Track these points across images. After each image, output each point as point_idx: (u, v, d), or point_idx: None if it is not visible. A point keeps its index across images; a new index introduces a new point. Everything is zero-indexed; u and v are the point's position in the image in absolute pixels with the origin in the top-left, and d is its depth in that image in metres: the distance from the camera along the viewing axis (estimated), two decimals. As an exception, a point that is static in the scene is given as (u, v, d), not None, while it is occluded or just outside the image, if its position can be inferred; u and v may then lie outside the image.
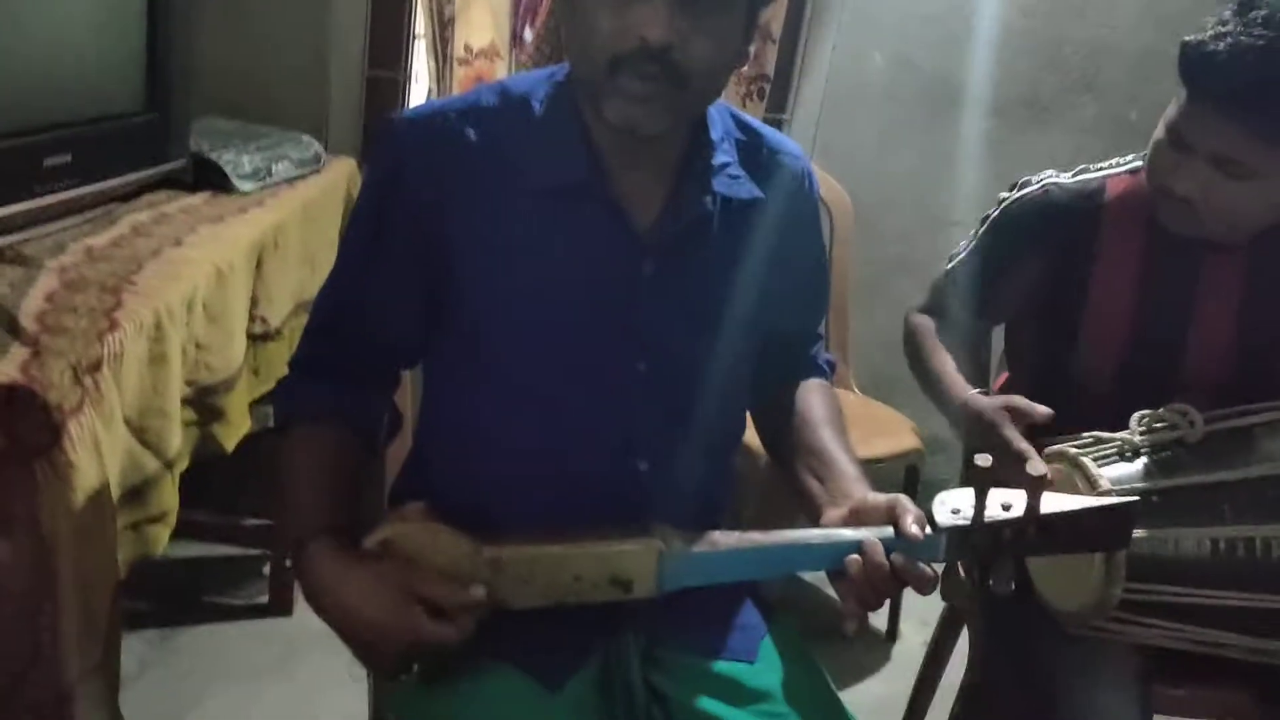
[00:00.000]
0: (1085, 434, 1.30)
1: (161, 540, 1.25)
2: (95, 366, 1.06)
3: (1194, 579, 1.20)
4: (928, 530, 0.96)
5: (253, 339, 1.61)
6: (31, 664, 1.03)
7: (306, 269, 1.81)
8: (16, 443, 0.94)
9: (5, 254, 1.28)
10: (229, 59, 2.13)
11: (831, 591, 1.01)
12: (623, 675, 1.11)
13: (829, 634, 2.14)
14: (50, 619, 1.02)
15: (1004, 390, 1.58)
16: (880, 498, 1.02)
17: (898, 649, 2.32)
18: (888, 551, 0.96)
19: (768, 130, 1.17)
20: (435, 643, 0.97)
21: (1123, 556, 1.18)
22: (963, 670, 1.58)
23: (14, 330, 1.06)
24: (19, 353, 1.01)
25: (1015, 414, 1.29)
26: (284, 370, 1.14)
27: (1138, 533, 1.17)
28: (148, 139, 1.62)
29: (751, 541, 1.03)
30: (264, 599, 2.17)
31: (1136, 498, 0.98)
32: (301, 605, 2.16)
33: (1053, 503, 0.95)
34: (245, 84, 2.17)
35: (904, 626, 2.37)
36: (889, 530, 0.97)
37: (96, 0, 1.51)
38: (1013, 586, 0.97)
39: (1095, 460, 1.23)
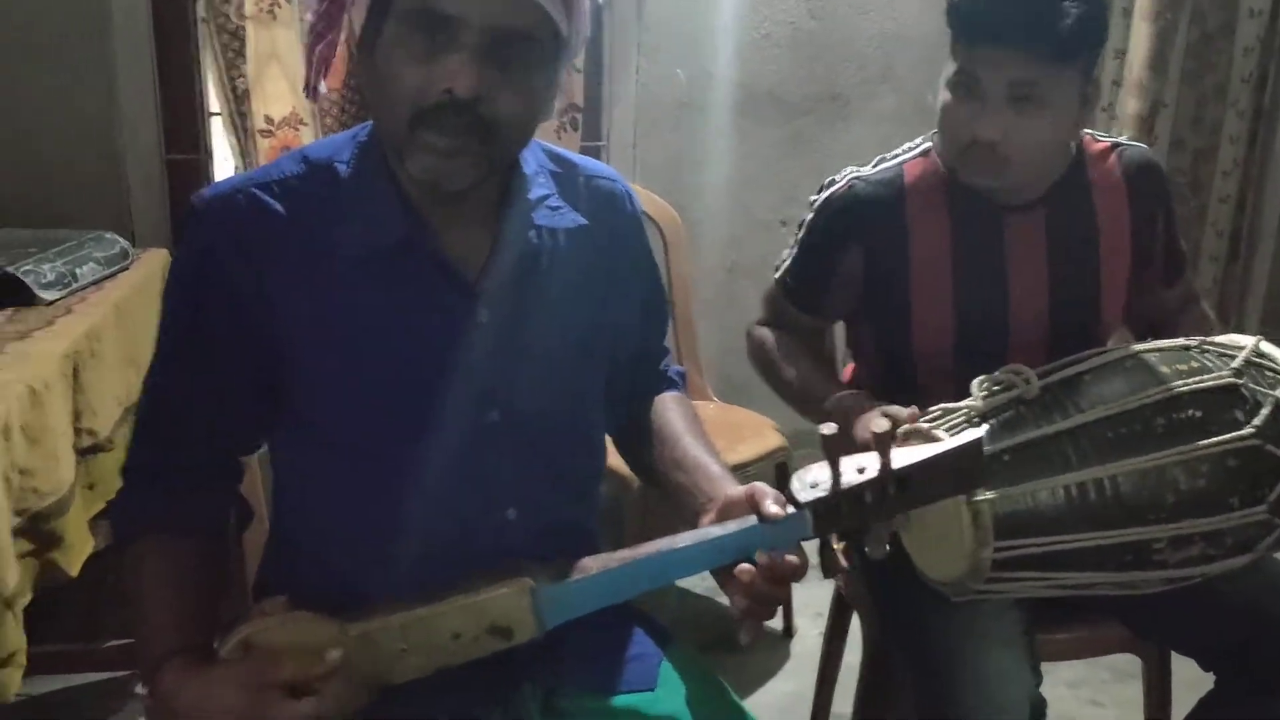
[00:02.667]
0: (932, 408, 1.34)
1: (13, 684, 1.17)
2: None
3: (1055, 527, 1.25)
4: (790, 509, 0.97)
5: (81, 453, 1.52)
6: None
7: (130, 370, 1.72)
8: None
9: None
10: (14, 166, 2.02)
11: (724, 600, 1.02)
12: (520, 720, 1.09)
13: (727, 643, 2.15)
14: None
15: (853, 381, 1.62)
16: (739, 490, 1.03)
17: (796, 645, 2.35)
18: (757, 545, 0.97)
19: (579, 158, 1.17)
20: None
21: (989, 519, 1.22)
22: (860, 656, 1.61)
23: None
24: None
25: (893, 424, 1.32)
26: (119, 481, 1.08)
27: (996, 492, 1.22)
28: (-66, 260, 1.52)
29: (622, 559, 1.03)
30: (142, 720, 2.05)
31: (981, 432, 1.01)
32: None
33: (904, 457, 0.98)
34: (37, 189, 2.06)
35: (799, 621, 2.40)
36: (753, 519, 0.98)
37: None
38: (887, 548, 0.99)
39: (946, 430, 1.27)
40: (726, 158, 2.74)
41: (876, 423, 0.97)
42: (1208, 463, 1.23)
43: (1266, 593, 1.35)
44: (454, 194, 0.98)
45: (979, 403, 1.31)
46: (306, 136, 2.29)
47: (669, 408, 1.24)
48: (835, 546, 1.05)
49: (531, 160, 1.10)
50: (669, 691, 1.12)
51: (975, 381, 1.33)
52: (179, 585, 1.03)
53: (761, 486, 1.00)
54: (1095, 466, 1.23)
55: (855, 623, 1.69)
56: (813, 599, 2.28)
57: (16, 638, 1.18)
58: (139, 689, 2.10)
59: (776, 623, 2.40)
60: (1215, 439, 1.22)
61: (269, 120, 2.24)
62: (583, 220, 1.11)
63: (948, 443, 0.99)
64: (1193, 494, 1.23)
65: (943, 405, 1.33)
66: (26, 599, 1.25)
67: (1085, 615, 1.47)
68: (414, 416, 1.03)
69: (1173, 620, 1.39)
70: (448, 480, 1.05)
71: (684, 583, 2.52)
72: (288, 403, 1.04)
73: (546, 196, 1.09)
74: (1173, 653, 1.58)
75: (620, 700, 1.11)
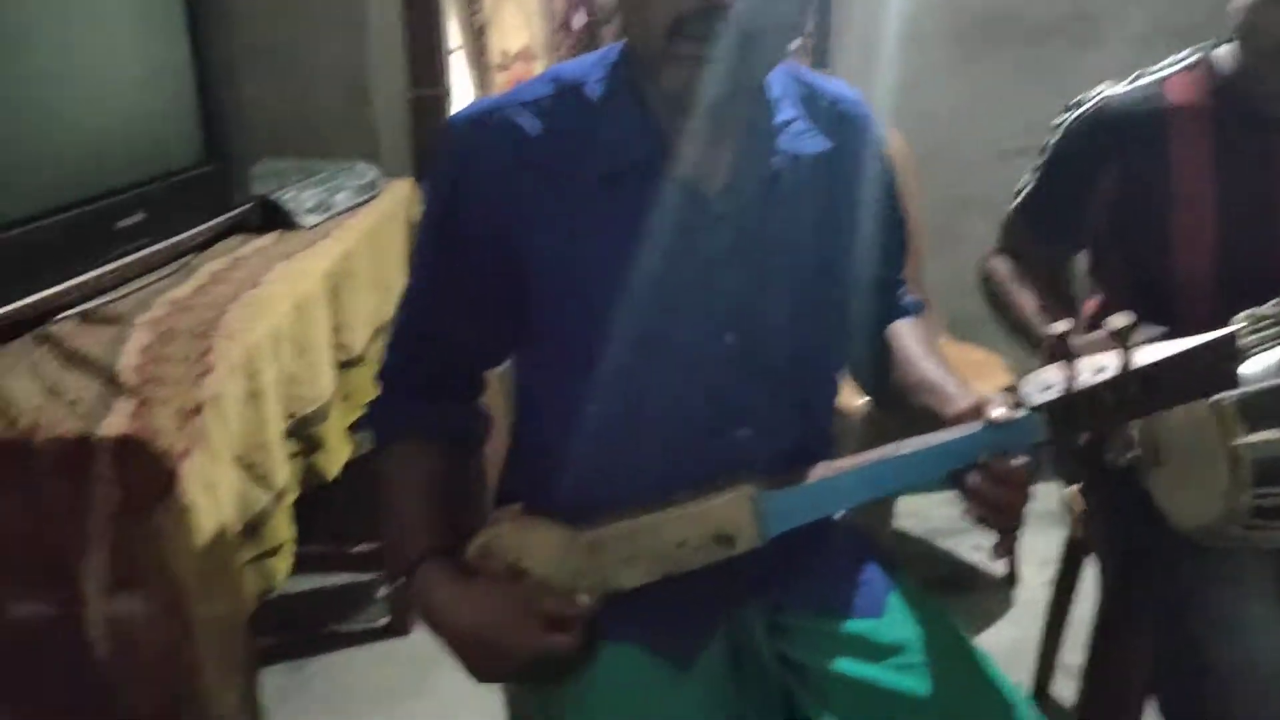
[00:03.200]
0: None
1: (282, 572, 1.28)
2: (197, 410, 1.08)
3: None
4: (1021, 411, 0.93)
5: (339, 366, 1.63)
6: (175, 712, 1.05)
7: (379, 293, 1.84)
8: (134, 493, 0.97)
9: (94, 316, 1.32)
10: (276, 101, 2.17)
11: (947, 544, 1.00)
12: (751, 647, 1.10)
13: (945, 586, 2.11)
14: (189, 664, 1.05)
15: (1097, 315, 1.54)
16: (966, 401, 1.00)
17: (1020, 593, 2.28)
18: (984, 449, 0.94)
19: (824, 81, 1.15)
20: (555, 654, 0.98)
21: (1248, 463, 1.14)
22: (1089, 606, 1.55)
23: (116, 385, 1.09)
24: (124, 406, 1.04)
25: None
26: (372, 393, 1.15)
27: (1262, 435, 1.13)
28: (212, 188, 1.66)
29: (844, 467, 1.02)
30: (383, 621, 2.21)
31: (1234, 328, 0.93)
32: (420, 624, 2.21)
33: (1148, 355, 0.92)
34: (294, 123, 2.20)
35: (1025, 570, 2.32)
36: (979, 426, 0.95)
37: (144, 61, 1.55)
38: (1129, 455, 0.94)
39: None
40: (959, 85, 2.63)
41: (1115, 318, 0.91)
42: None
43: None
44: (703, 110, 0.98)
45: (1248, 338, 1.22)
46: (539, 70, 2.34)
47: (906, 333, 1.22)
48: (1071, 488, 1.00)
49: (778, 83, 1.09)
50: (896, 620, 1.12)
51: (1240, 316, 1.24)
52: (433, 488, 1.09)
53: (991, 395, 0.97)
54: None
55: (1084, 572, 1.62)
56: (1037, 547, 2.20)
57: (286, 530, 1.30)
58: (381, 592, 2.27)
59: (1001, 567, 2.33)
60: None
61: (504, 54, 2.31)
62: (827, 145, 1.10)
63: (1198, 338, 0.93)
64: None
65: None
66: (294, 496, 1.36)
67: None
68: (652, 335, 1.05)
69: None
70: (683, 399, 1.07)
71: (902, 524, 2.48)
72: (532, 319, 1.08)
73: (792, 120, 1.08)
74: None
75: (847, 625, 1.11)
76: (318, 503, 1.51)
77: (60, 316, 1.30)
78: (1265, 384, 1.16)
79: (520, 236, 1.03)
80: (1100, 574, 1.52)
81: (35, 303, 1.24)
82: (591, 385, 1.08)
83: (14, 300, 1.19)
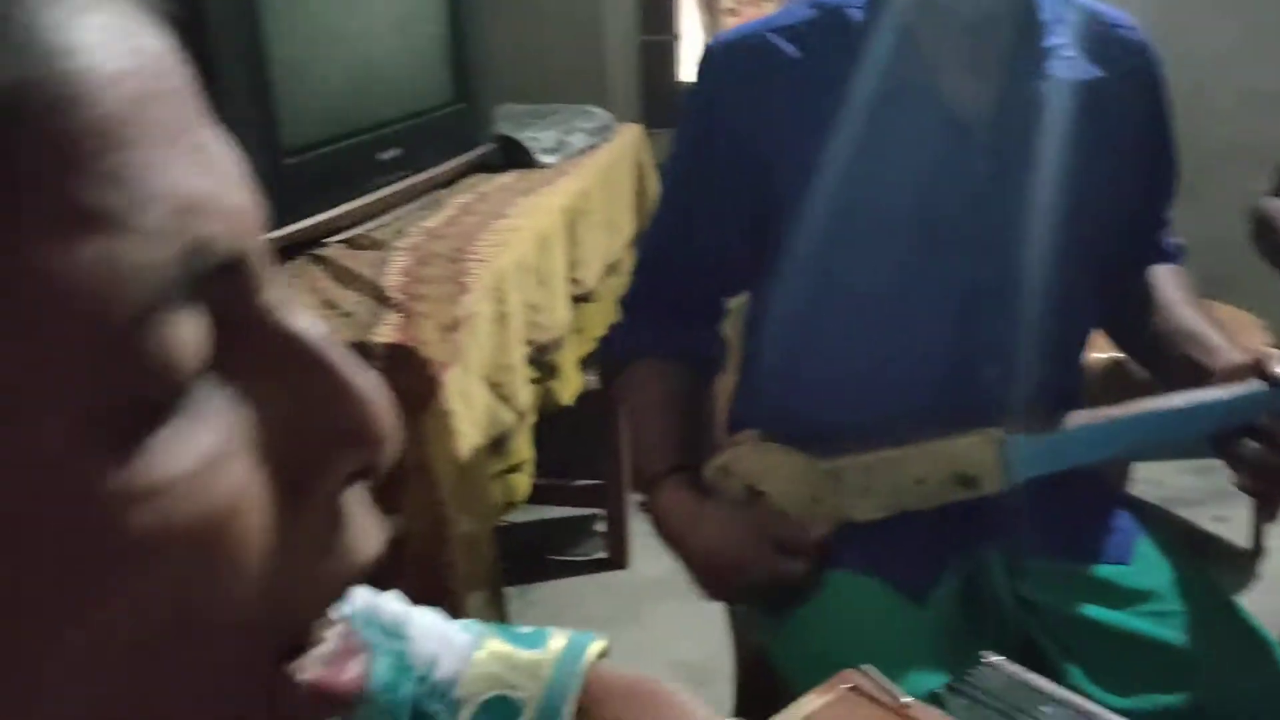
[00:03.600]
0: None
1: (523, 488, 1.34)
2: (455, 326, 1.15)
3: None
4: None
5: (572, 300, 1.69)
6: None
7: (610, 232, 1.88)
8: (403, 397, 1.04)
9: (360, 241, 1.41)
10: (515, 47, 2.24)
11: (1186, 513, 0.95)
12: (988, 586, 1.08)
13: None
14: (445, 564, 1.12)
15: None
16: (1243, 355, 0.94)
17: (1266, 567, 2.12)
18: (1264, 409, 0.88)
19: (1100, 5, 1.09)
20: (788, 578, 0.99)
21: None
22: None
23: (384, 300, 1.17)
24: (393, 318, 1.12)
25: None
26: (601, 330, 1.19)
27: None
28: (460, 127, 1.74)
29: (1103, 416, 0.98)
30: (602, 554, 2.29)
31: None
32: (638, 558, 2.27)
33: None
34: (531, 68, 2.28)
35: (1271, 542, 2.16)
36: (1262, 386, 0.89)
37: (406, 6, 1.64)
38: None
39: None
40: (1228, 24, 2.43)
41: None
42: None
43: None
44: (969, 33, 0.95)
45: None
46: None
47: (1164, 279, 1.15)
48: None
49: (1049, 6, 1.04)
50: (1147, 567, 1.07)
51: None
52: (675, 408, 1.12)
53: (1273, 351, 0.91)
54: None
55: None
56: (1289, 518, 2.04)
57: (527, 449, 1.36)
58: (600, 527, 2.35)
59: (1244, 540, 2.18)
60: None
61: (736, -1, 2.31)
62: (1099, 73, 1.04)
63: None
64: None
65: None
66: (534, 419, 1.42)
67: None
68: (901, 262, 1.04)
69: None
70: (929, 333, 1.05)
71: (1137, 491, 2.35)
72: (780, 243, 1.08)
73: (1062, 45, 1.03)
74: None
75: (1093, 570, 1.07)
76: (542, 437, 1.58)
77: (330, 240, 1.40)
78: None
79: (774, 158, 1.04)
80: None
81: (310, 226, 1.34)
82: (835, 313, 1.08)
83: (296, 222, 1.29)
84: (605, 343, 1.22)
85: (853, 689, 0.63)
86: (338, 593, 0.28)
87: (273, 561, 0.25)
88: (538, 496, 2.39)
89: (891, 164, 1.01)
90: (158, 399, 0.23)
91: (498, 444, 1.28)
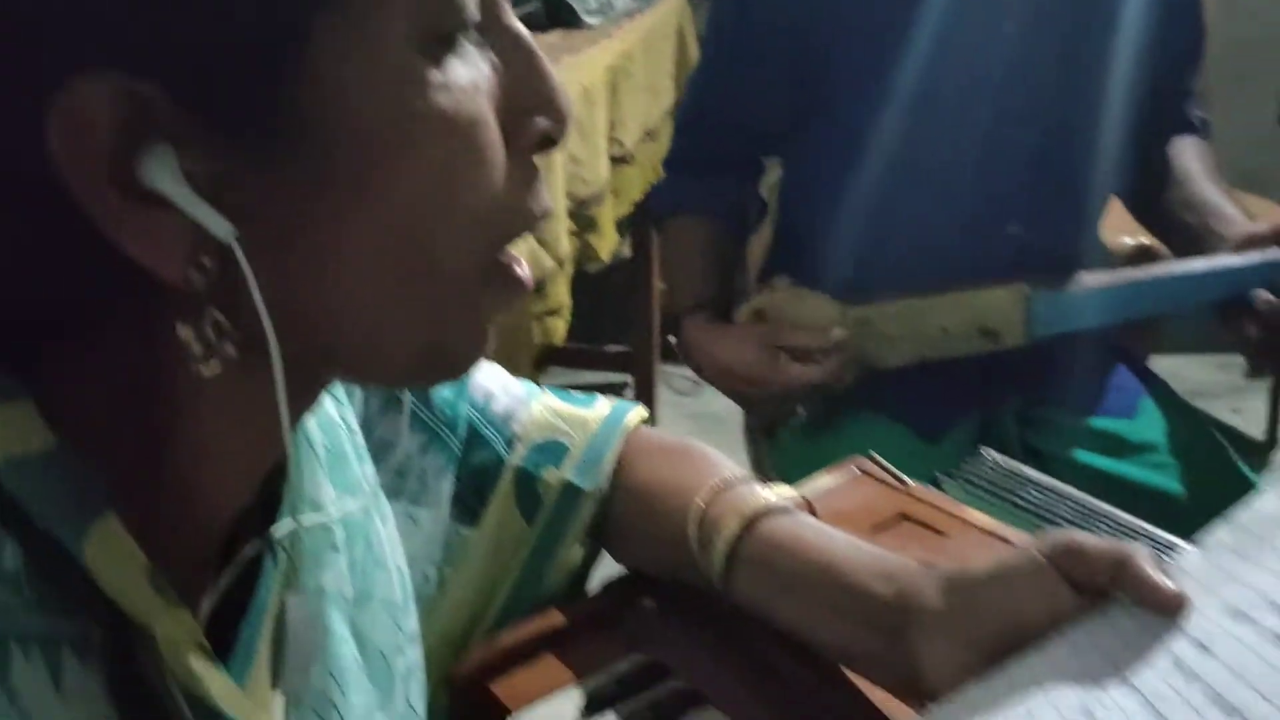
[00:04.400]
0: None
1: (560, 332, 1.41)
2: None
3: None
4: None
5: (611, 161, 1.73)
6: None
7: (650, 96, 1.91)
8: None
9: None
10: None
11: (1203, 404, 0.99)
12: (1000, 435, 1.14)
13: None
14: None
15: None
16: (1261, 225, 0.97)
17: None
18: (1271, 277, 0.92)
19: None
20: (807, 383, 1.05)
21: None
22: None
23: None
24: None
25: None
26: (637, 194, 1.24)
27: None
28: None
29: (1125, 277, 1.02)
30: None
31: None
32: (664, 424, 2.35)
33: None
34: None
35: (1283, 434, 2.21)
36: (1274, 252, 0.93)
37: None
38: None
39: None
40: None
41: None
42: None
43: None
44: None
45: None
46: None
47: (1184, 150, 1.17)
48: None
49: None
50: (1150, 423, 1.12)
51: None
52: (704, 254, 1.18)
53: None
54: None
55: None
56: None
57: (564, 294, 1.42)
58: (629, 394, 2.42)
59: (1260, 432, 2.23)
60: None
61: None
62: None
63: None
64: None
65: None
66: (572, 269, 1.48)
67: None
68: (932, 120, 1.07)
69: None
70: (957, 188, 1.09)
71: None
72: (817, 100, 1.11)
73: None
74: None
75: (1098, 422, 1.12)
76: (576, 303, 1.63)
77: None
78: None
79: (814, 17, 1.06)
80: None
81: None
82: (868, 170, 1.12)
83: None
84: (647, 199, 1.27)
85: (861, 472, 0.69)
86: (531, 225, 0.38)
87: (501, 172, 0.35)
88: (568, 360, 2.47)
89: (922, 24, 1.03)
90: (453, 31, 0.34)
91: (538, 287, 1.34)
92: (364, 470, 0.49)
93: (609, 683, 0.53)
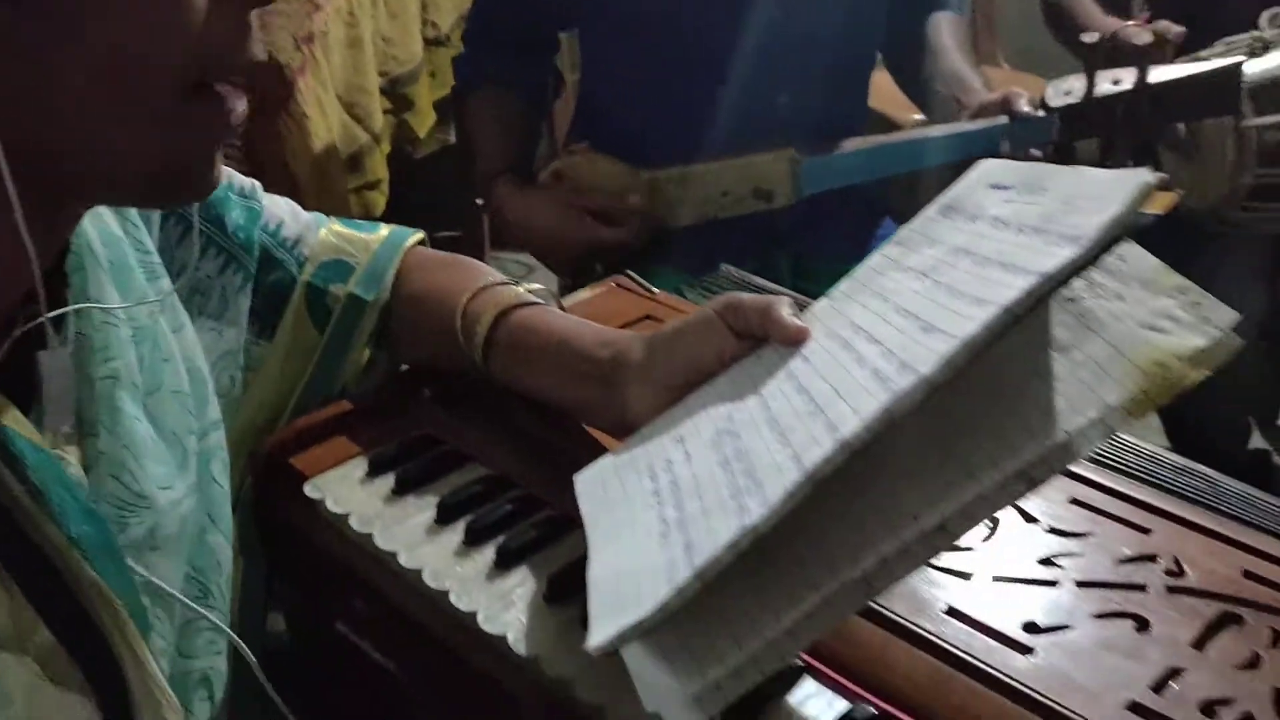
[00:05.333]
0: (1215, 44, 1.32)
1: (379, 205, 1.47)
2: (309, 39, 1.24)
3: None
4: (1040, 112, 1.06)
5: (427, 42, 1.77)
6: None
7: (466, -20, 1.95)
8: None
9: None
10: None
11: None
12: (774, 279, 1.27)
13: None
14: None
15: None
16: (995, 94, 1.11)
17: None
18: (1001, 139, 1.06)
19: None
20: (609, 243, 1.16)
21: (1254, 143, 1.24)
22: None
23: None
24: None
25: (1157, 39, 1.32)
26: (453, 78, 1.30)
27: (1265, 120, 1.23)
28: None
29: (877, 141, 1.16)
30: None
31: (1241, 58, 1.04)
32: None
33: (1161, 74, 1.03)
34: None
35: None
36: (1004, 119, 1.07)
37: None
38: (1130, 163, 1.06)
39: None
40: None
41: (1140, 35, 1.01)
42: None
43: None
44: None
45: (1266, 33, 1.29)
46: None
47: (940, 26, 1.29)
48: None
49: None
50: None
51: (1266, 14, 1.30)
52: (509, 123, 1.27)
53: (1018, 91, 1.08)
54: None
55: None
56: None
57: (382, 169, 1.48)
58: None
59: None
60: None
61: None
62: None
63: (1208, 64, 1.03)
64: None
65: (1224, 40, 1.32)
66: (388, 146, 1.54)
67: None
68: (709, 5, 1.16)
69: None
70: (731, 62, 1.19)
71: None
72: None
73: None
74: None
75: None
76: (404, 190, 1.69)
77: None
78: (1273, 72, 1.24)
79: None
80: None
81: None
82: (650, 45, 1.21)
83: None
84: (454, 71, 1.34)
85: (618, 286, 0.81)
86: (238, 69, 0.44)
87: (199, 15, 0.41)
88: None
89: None
90: None
91: (354, 161, 1.40)
92: (157, 285, 0.57)
93: (391, 451, 0.64)
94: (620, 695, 0.47)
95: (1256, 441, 1.74)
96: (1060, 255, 0.41)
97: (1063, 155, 1.09)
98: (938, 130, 1.13)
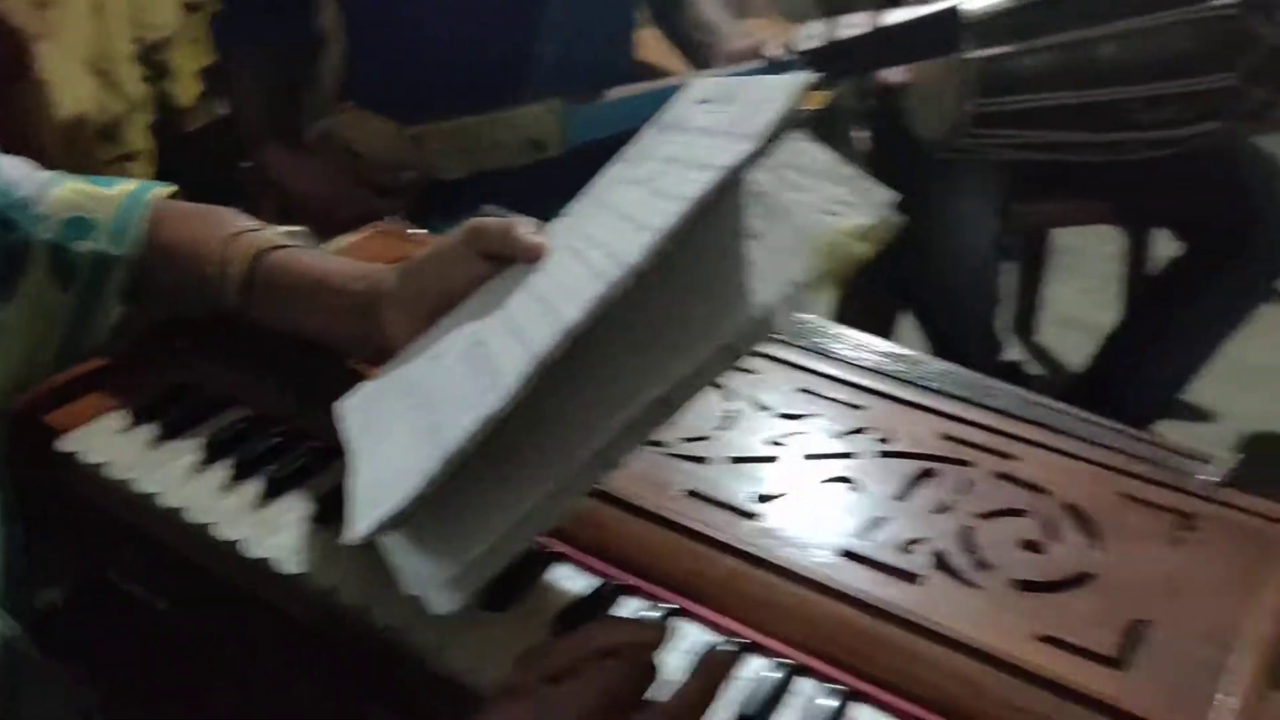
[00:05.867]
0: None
1: (140, 177, 1.42)
2: (43, 3, 1.19)
3: (1036, 86, 1.38)
4: (789, 55, 1.14)
5: (184, 7, 1.71)
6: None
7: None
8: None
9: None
10: None
11: None
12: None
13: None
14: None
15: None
16: (747, 40, 1.18)
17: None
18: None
19: None
20: (383, 192, 1.17)
21: (974, 75, 1.36)
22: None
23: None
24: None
25: None
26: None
27: (985, 51, 1.34)
28: None
29: (642, 89, 1.21)
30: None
31: (955, 2, 1.14)
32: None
33: (891, 18, 1.12)
34: None
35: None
36: (757, 63, 1.14)
37: None
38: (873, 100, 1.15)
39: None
40: None
41: None
42: (1188, 28, 1.32)
43: (1240, 167, 1.48)
44: None
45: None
46: None
47: None
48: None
49: None
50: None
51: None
52: (268, 83, 1.25)
53: (767, 37, 1.15)
54: (1078, 30, 1.34)
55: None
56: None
57: (143, 139, 1.43)
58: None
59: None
60: (1196, 6, 1.32)
61: None
62: None
63: (929, 8, 1.14)
64: (1169, 58, 1.34)
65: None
66: (149, 116, 1.48)
67: (1072, 190, 1.61)
68: None
69: (1152, 192, 1.54)
70: (498, 15, 1.21)
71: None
72: None
73: None
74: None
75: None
76: (175, 163, 1.63)
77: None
78: (993, 7, 1.36)
79: None
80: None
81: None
82: (415, 4, 1.22)
83: None
84: (212, 29, 1.31)
85: (379, 231, 0.83)
86: None
87: None
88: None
89: None
90: None
91: (110, 131, 1.35)
92: None
93: (150, 400, 0.64)
94: (383, 595, 0.50)
95: (1017, 355, 1.92)
96: (736, 150, 0.46)
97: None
98: (693, 78, 1.19)
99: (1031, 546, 0.53)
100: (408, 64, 1.26)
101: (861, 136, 1.70)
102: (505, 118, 1.19)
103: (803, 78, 0.47)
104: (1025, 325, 1.99)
